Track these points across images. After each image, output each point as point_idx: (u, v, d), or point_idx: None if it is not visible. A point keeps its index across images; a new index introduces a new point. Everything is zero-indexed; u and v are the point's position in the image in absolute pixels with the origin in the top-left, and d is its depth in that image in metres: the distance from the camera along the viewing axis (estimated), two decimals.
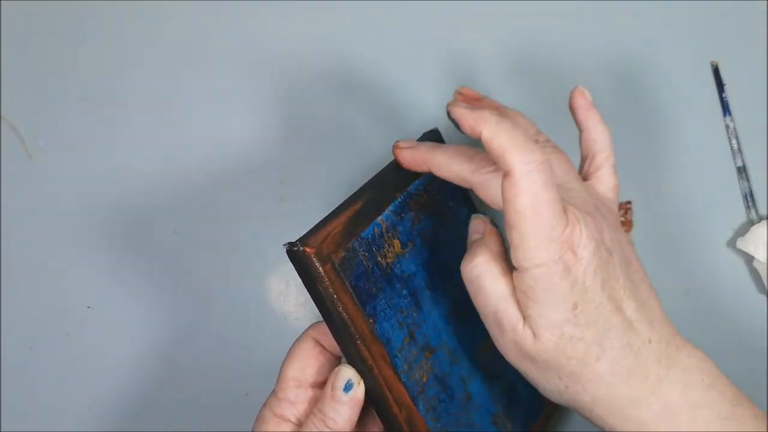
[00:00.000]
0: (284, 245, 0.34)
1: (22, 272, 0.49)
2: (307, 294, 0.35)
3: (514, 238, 0.33)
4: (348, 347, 0.35)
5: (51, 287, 0.49)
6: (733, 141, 0.52)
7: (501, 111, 0.42)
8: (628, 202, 0.51)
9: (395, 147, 0.39)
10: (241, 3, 0.50)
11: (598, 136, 0.40)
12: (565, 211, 0.33)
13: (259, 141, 0.50)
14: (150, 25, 0.50)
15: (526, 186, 0.32)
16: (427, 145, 0.38)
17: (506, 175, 0.32)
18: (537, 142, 0.39)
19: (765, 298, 0.51)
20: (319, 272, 0.34)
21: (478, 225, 0.39)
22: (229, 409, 0.49)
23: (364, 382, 0.36)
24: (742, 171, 0.51)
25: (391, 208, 0.38)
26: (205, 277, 0.49)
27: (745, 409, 0.35)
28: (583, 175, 0.40)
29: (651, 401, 0.34)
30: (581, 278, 0.33)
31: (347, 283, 0.35)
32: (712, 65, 0.52)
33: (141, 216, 0.49)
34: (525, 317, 0.34)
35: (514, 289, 0.34)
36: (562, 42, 0.51)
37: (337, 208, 0.36)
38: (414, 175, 0.39)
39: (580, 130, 0.41)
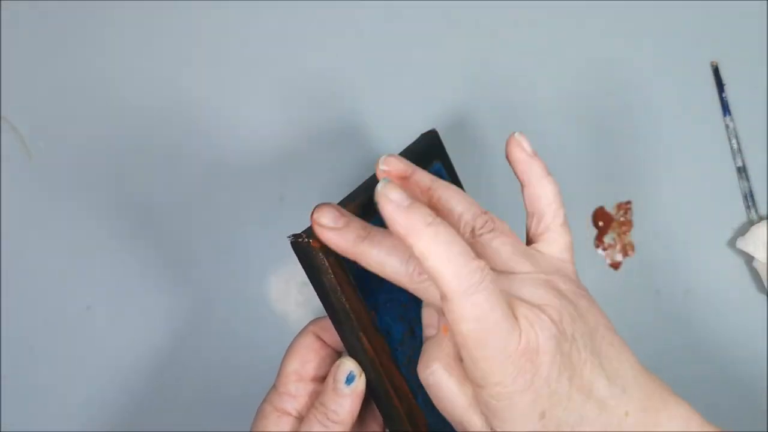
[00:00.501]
0: (289, 237, 0.34)
1: (22, 272, 0.49)
2: (308, 293, 0.35)
3: (465, 358, 0.30)
4: (350, 339, 0.35)
5: (51, 287, 0.49)
6: (733, 141, 0.52)
7: (433, 190, 0.35)
8: (628, 202, 0.51)
9: (313, 221, 0.33)
10: (243, 3, 0.50)
11: (543, 191, 0.36)
12: (516, 318, 0.30)
13: (260, 141, 0.50)
14: (150, 25, 0.50)
15: (468, 311, 0.29)
16: (357, 230, 0.32)
17: (444, 297, 0.29)
18: (473, 230, 0.34)
19: (765, 298, 0.51)
20: (324, 264, 0.34)
21: (431, 317, 0.35)
22: (229, 408, 0.49)
23: (366, 375, 0.36)
24: (742, 171, 0.51)
25: None
26: (205, 276, 0.49)
27: None
28: (531, 236, 0.36)
29: None
30: (544, 385, 0.30)
31: (350, 275, 0.35)
32: (712, 65, 0.52)
33: (141, 216, 0.49)
34: (492, 428, 0.31)
35: (475, 398, 0.32)
36: (561, 42, 0.51)
37: (341, 201, 0.36)
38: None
39: (522, 185, 0.36)
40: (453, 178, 0.42)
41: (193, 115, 0.50)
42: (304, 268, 0.34)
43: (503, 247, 0.34)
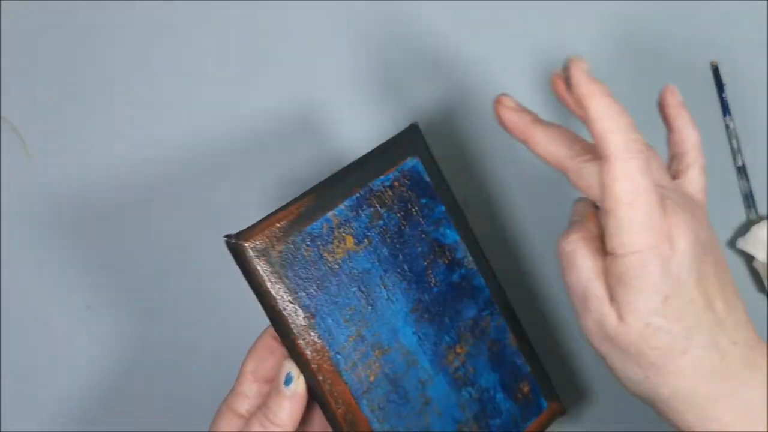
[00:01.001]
0: (223, 237, 0.35)
1: (21, 272, 0.49)
2: None
3: (611, 224, 0.33)
4: (285, 340, 0.36)
5: (51, 287, 0.49)
6: (733, 141, 0.52)
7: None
8: None
9: (497, 101, 0.37)
10: (242, 3, 0.50)
11: (688, 136, 0.39)
12: (662, 201, 0.33)
13: (259, 141, 0.50)
14: (150, 26, 0.50)
15: (625, 172, 0.32)
16: (531, 116, 0.37)
17: (605, 159, 0.33)
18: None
19: (765, 298, 0.51)
20: (253, 265, 0.34)
21: (578, 207, 0.39)
22: None
23: (304, 377, 0.36)
24: (742, 171, 0.52)
25: (346, 203, 0.37)
26: (204, 276, 0.49)
27: None
28: (672, 175, 0.39)
29: (731, 402, 0.34)
30: (676, 271, 0.33)
31: (283, 277, 0.35)
32: (712, 65, 0.52)
33: (140, 216, 0.49)
34: (612, 299, 0.34)
35: (605, 271, 0.34)
36: (560, 43, 0.51)
37: (287, 203, 0.36)
38: (378, 171, 0.39)
39: (669, 129, 0.40)
40: (434, 174, 0.41)
41: (193, 115, 0.50)
42: (239, 267, 0.35)
43: (653, 164, 0.36)
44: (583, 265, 0.35)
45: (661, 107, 0.40)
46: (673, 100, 0.40)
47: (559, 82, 0.39)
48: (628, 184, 0.32)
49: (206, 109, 0.50)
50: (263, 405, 0.37)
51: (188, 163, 0.50)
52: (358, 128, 0.50)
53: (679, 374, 0.33)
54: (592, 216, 0.37)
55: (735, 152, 0.52)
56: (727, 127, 0.52)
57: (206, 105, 0.50)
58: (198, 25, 0.50)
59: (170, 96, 0.50)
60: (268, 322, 0.49)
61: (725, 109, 0.52)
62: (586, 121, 0.34)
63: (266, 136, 0.50)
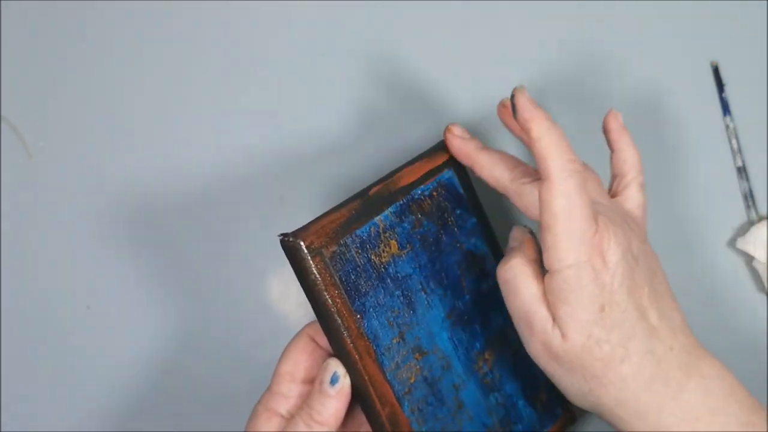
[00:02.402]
0: (279, 236, 0.35)
1: (21, 272, 0.49)
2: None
3: (548, 239, 0.35)
4: (334, 340, 0.36)
5: (51, 287, 0.49)
6: (733, 141, 0.52)
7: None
8: None
9: (447, 130, 0.41)
10: (245, 4, 0.50)
11: (628, 156, 0.42)
12: (595, 217, 0.35)
13: (260, 141, 0.50)
14: (151, 25, 0.50)
15: (562, 189, 0.35)
16: (477, 143, 0.41)
17: (545, 178, 0.35)
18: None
19: (765, 298, 0.51)
20: (309, 264, 0.35)
21: (516, 234, 0.40)
22: (229, 408, 0.49)
23: (350, 377, 0.36)
24: (742, 171, 0.51)
25: (391, 209, 0.38)
26: (204, 277, 0.49)
27: (763, 418, 0.36)
28: (612, 193, 0.42)
29: (672, 407, 0.35)
30: (609, 282, 0.35)
31: (336, 277, 0.36)
32: (712, 65, 0.52)
33: (140, 216, 0.49)
34: (555, 318, 0.35)
35: (546, 293, 0.36)
36: (559, 43, 0.51)
37: (336, 205, 0.37)
38: (419, 181, 0.40)
39: (612, 150, 0.43)
40: (467, 187, 0.43)
41: (193, 114, 0.50)
42: (292, 266, 0.35)
43: (592, 181, 0.41)
44: (526, 289, 0.36)
45: (605, 131, 0.43)
46: (616, 124, 0.42)
47: (505, 110, 0.42)
48: (565, 200, 0.34)
49: (206, 109, 0.50)
50: (305, 404, 0.37)
51: (188, 164, 0.50)
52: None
53: (621, 383, 0.35)
54: (530, 241, 0.39)
55: (735, 152, 0.52)
56: (727, 127, 0.52)
57: (206, 104, 0.50)
58: (195, 17, 0.50)
59: (170, 97, 0.50)
60: (268, 319, 0.49)
61: (725, 109, 0.52)
62: (528, 143, 0.36)
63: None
